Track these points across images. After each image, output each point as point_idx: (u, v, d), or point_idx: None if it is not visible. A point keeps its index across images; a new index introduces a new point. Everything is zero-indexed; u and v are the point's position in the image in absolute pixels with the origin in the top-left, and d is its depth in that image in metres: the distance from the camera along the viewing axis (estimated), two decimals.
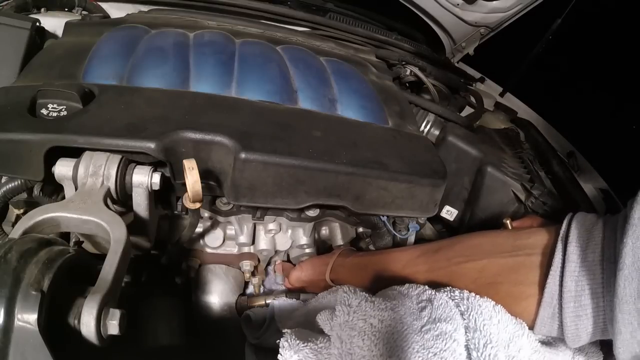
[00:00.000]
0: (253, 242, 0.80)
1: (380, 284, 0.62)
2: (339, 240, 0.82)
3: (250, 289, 0.85)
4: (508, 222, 0.65)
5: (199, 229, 0.76)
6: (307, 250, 0.81)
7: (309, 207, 0.73)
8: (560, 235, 0.47)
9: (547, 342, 0.50)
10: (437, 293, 0.50)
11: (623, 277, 0.37)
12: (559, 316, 0.45)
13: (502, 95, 1.49)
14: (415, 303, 0.48)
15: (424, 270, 0.60)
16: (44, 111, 0.61)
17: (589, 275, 0.42)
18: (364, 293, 0.52)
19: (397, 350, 0.43)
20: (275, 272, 0.84)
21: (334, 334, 0.47)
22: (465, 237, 0.60)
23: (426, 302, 0.48)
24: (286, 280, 0.82)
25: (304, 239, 0.80)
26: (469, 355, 0.44)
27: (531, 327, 0.48)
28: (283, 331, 0.51)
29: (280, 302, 0.76)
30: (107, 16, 1.08)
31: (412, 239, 0.84)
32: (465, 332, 0.45)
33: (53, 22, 0.92)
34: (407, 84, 1.17)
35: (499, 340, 0.44)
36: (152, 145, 0.57)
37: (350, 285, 0.56)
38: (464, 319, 0.46)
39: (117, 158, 0.57)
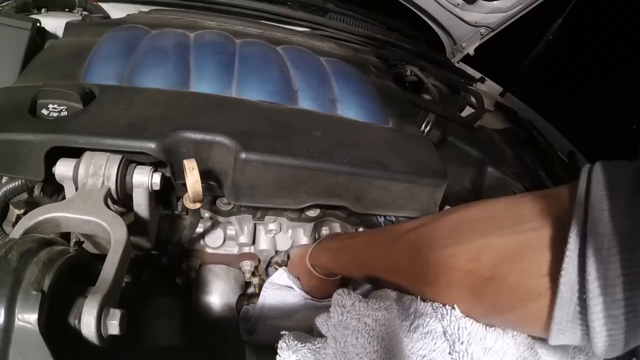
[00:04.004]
0: (253, 242, 0.80)
1: (362, 271, 0.59)
2: None
3: (250, 289, 0.85)
4: None
5: (199, 229, 0.76)
6: None
7: (309, 207, 0.73)
8: (578, 195, 0.31)
9: (542, 339, 0.48)
10: None
11: None
12: (582, 318, 0.31)
13: (502, 95, 1.49)
14: (409, 301, 0.48)
15: (407, 256, 0.47)
16: (44, 111, 0.61)
17: (626, 253, 0.28)
18: (357, 294, 0.52)
19: (391, 348, 0.43)
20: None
21: (329, 334, 0.48)
22: (455, 210, 0.45)
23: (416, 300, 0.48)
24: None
25: (304, 239, 0.80)
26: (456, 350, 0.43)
27: (547, 337, 0.35)
28: (282, 333, 0.51)
29: (270, 292, 0.76)
30: (107, 16, 1.08)
31: None
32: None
33: (53, 23, 0.92)
34: (407, 84, 1.17)
35: (471, 333, 0.41)
36: (152, 145, 0.58)
37: (345, 288, 0.56)
38: (437, 316, 0.44)
39: (117, 158, 0.57)
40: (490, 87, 1.55)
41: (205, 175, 0.64)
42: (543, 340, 0.45)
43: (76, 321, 0.39)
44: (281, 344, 0.49)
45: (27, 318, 0.35)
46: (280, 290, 0.75)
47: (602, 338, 0.30)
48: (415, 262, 0.46)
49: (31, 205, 0.65)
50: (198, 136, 0.61)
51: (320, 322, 0.52)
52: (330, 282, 0.71)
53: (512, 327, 0.42)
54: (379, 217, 0.82)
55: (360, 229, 0.85)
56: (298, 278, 0.76)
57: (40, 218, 0.48)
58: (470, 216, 0.43)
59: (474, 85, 1.49)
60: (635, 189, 0.28)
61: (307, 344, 0.49)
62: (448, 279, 0.41)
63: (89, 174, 0.55)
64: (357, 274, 0.63)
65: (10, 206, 0.66)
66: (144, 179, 0.58)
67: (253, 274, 0.81)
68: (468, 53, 1.60)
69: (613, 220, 0.29)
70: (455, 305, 0.42)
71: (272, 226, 0.78)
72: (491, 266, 0.37)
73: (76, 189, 0.56)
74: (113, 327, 0.40)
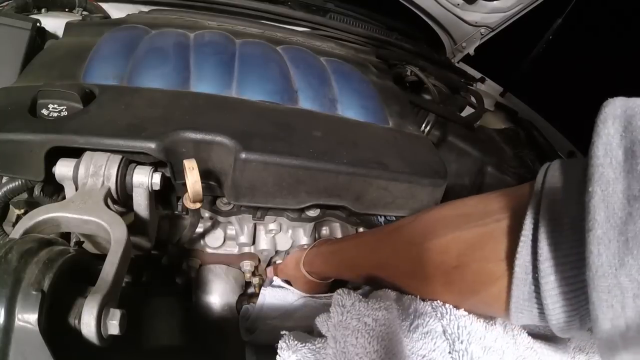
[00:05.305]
0: (253, 242, 0.80)
1: (353, 271, 0.61)
2: None
3: (250, 289, 0.85)
4: None
5: (199, 229, 0.76)
6: None
7: (309, 207, 0.73)
8: (535, 188, 0.35)
9: (542, 337, 0.48)
10: None
11: (596, 240, 0.27)
12: (537, 297, 0.33)
13: (502, 95, 1.49)
14: (409, 301, 0.48)
15: (390, 254, 0.52)
16: (44, 111, 0.61)
17: (575, 235, 0.30)
18: (357, 294, 0.52)
19: (391, 348, 0.43)
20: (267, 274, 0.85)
21: (329, 334, 0.48)
22: (432, 209, 0.49)
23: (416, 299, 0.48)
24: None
25: (304, 239, 0.80)
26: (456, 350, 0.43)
27: (508, 317, 0.37)
28: (282, 333, 0.51)
29: (269, 291, 0.76)
30: (107, 16, 1.08)
31: None
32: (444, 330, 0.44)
33: (54, 23, 0.92)
34: (407, 84, 1.17)
35: (471, 332, 0.41)
36: (152, 145, 0.58)
37: (345, 288, 0.56)
38: (436, 315, 0.44)
39: (117, 158, 0.57)
40: (490, 87, 1.55)
41: (205, 175, 0.64)
42: (543, 340, 0.46)
43: (76, 321, 0.39)
44: (281, 344, 0.49)
45: (27, 318, 0.35)
46: (280, 290, 0.76)
47: (555, 315, 0.32)
48: (397, 259, 0.50)
49: (31, 205, 0.65)
50: (198, 136, 0.61)
51: (320, 322, 0.52)
52: (325, 283, 0.73)
53: (479, 310, 0.45)
54: (379, 217, 0.83)
55: (361, 229, 0.85)
56: (289, 283, 0.77)
57: (40, 218, 0.48)
58: (444, 214, 0.47)
59: (474, 85, 1.49)
60: (585, 179, 0.29)
61: (307, 344, 0.49)
62: (424, 272, 0.45)
63: (89, 174, 0.55)
64: (349, 275, 0.65)
65: (10, 206, 0.66)
66: (144, 179, 0.58)
67: (253, 274, 0.81)
68: (468, 53, 1.60)
69: (564, 207, 0.32)
70: (455, 305, 0.43)
71: (272, 226, 0.78)
72: (457, 256, 0.41)
73: (76, 189, 0.56)
74: (113, 327, 0.40)
